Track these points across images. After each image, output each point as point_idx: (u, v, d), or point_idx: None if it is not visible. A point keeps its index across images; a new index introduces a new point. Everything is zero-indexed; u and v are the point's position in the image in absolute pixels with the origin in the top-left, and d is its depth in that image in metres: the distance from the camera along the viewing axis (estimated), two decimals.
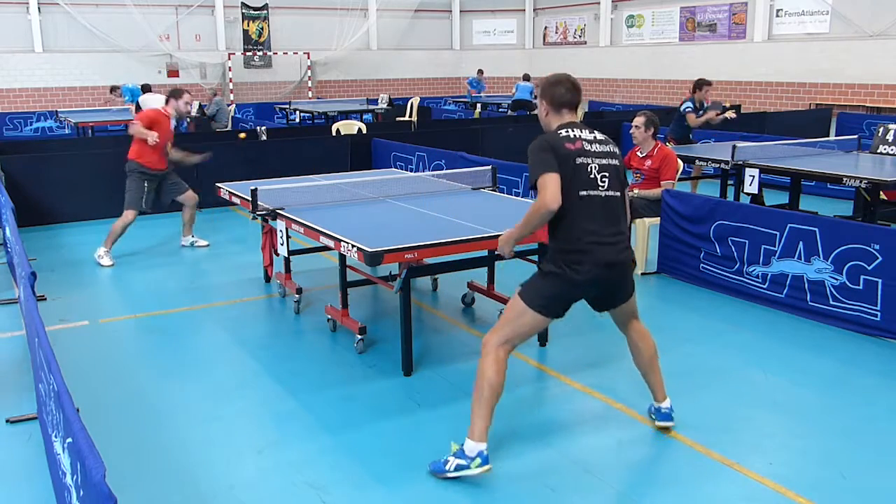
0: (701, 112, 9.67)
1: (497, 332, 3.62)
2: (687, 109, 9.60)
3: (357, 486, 3.54)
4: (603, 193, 3.55)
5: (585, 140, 3.56)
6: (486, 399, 3.54)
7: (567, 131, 3.57)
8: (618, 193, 3.62)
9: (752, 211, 6.05)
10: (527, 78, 18.87)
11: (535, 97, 19.40)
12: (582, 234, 3.49)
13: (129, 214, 7.32)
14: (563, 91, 3.65)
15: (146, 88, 14.17)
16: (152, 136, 7.10)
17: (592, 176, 3.53)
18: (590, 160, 3.53)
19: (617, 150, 3.71)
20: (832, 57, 18.32)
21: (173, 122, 7.54)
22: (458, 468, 3.51)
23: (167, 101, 7.46)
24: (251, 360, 5.02)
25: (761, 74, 19.89)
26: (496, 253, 4.02)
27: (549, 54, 26.50)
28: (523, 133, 12.82)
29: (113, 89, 16.97)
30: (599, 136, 3.65)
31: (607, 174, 3.57)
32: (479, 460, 3.50)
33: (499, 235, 4.59)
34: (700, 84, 9.66)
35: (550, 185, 3.40)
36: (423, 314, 5.90)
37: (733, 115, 10.19)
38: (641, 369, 3.98)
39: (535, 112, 18.03)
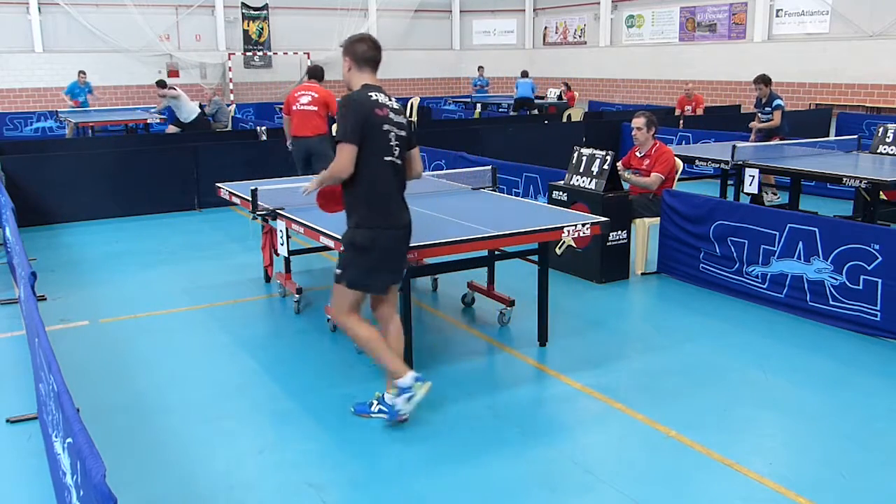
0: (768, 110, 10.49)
1: (335, 308, 4.07)
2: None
3: (357, 486, 3.54)
4: (398, 161, 3.95)
5: (390, 109, 3.91)
6: (379, 350, 3.99)
7: (375, 96, 3.88)
8: (402, 161, 3.99)
9: (752, 211, 6.05)
10: (525, 74, 18.82)
11: (535, 97, 19.51)
12: (384, 196, 3.90)
13: None
14: (365, 48, 3.98)
15: (162, 84, 13.94)
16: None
17: (392, 144, 3.90)
18: (392, 129, 3.90)
19: (405, 119, 4.04)
20: (832, 57, 18.32)
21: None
22: (408, 400, 3.92)
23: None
24: (251, 360, 5.02)
25: None
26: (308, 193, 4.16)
27: (549, 54, 26.50)
28: (524, 133, 12.83)
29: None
30: (395, 104, 3.99)
31: (399, 144, 3.94)
32: (418, 384, 3.94)
33: (499, 236, 4.63)
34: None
35: (345, 155, 3.78)
36: (423, 314, 5.90)
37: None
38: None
39: (535, 111, 17.99)
